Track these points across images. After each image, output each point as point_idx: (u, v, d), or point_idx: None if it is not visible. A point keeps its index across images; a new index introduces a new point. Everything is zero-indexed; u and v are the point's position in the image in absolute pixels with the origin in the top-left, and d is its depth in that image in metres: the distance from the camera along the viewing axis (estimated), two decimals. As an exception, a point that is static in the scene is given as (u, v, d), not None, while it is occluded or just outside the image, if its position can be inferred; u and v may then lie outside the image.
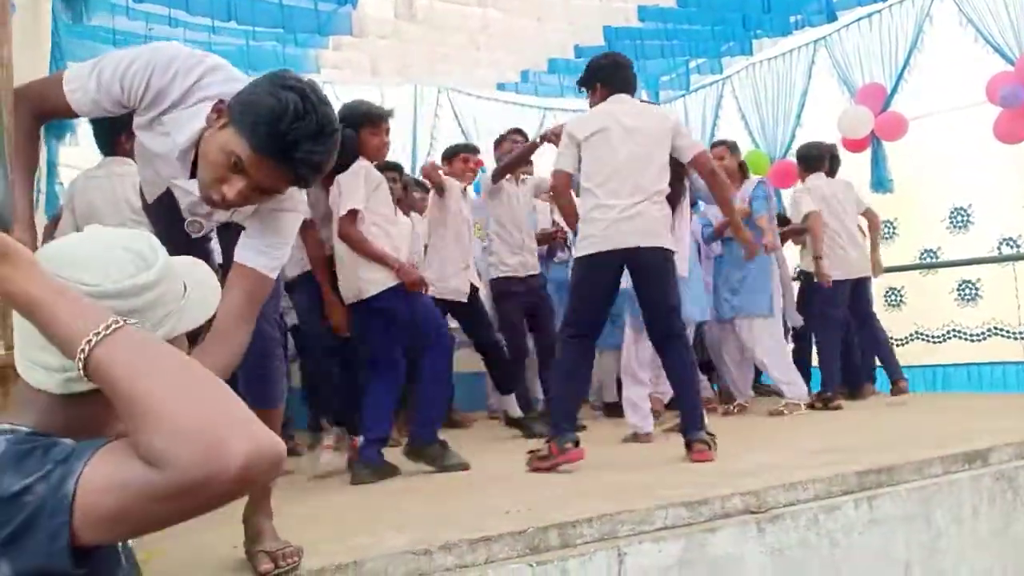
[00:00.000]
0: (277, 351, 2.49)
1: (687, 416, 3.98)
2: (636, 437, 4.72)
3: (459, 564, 2.44)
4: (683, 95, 9.55)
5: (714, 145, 6.44)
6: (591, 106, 4.30)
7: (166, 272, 1.21)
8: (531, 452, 3.92)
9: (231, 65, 2.12)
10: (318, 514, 3.13)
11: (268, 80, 1.81)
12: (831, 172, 6.43)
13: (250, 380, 2.38)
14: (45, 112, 2.08)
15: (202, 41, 6.87)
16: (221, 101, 1.85)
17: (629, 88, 4.29)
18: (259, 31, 6.84)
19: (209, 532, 2.53)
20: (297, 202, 2.11)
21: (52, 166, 5.01)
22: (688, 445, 3.87)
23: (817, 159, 6.35)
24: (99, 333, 1.02)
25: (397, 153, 8.39)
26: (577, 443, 3.83)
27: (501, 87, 8.77)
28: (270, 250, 2.03)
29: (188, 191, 2.03)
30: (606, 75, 4.27)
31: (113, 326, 1.03)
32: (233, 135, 1.76)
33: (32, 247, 1.95)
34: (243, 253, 2.01)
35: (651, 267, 4.02)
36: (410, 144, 8.50)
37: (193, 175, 1.97)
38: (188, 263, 1.36)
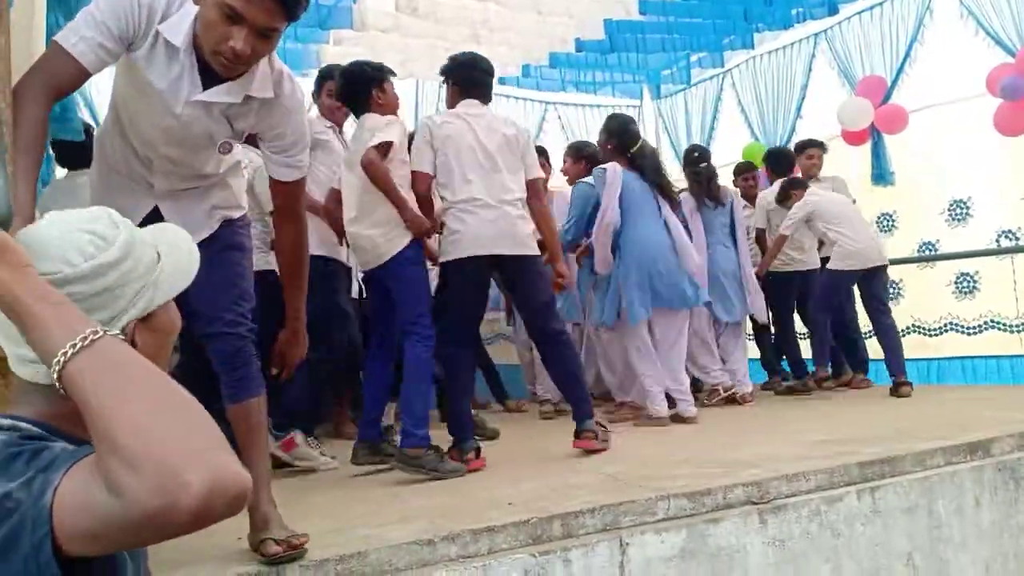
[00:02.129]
0: (248, 346, 2.47)
1: (575, 407, 4.05)
2: None
3: (462, 554, 2.46)
4: (684, 88, 9.54)
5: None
6: None
7: (130, 247, 1.19)
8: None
9: None
10: (321, 506, 3.14)
11: None
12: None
13: (226, 372, 2.41)
14: (60, 87, 2.08)
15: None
16: None
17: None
18: (260, 25, 6.83)
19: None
20: (297, 97, 2.38)
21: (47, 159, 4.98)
22: (576, 434, 3.97)
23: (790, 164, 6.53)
24: (75, 345, 0.98)
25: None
26: (478, 452, 3.88)
27: (502, 81, 8.75)
28: (292, 158, 2.43)
29: (209, 104, 2.21)
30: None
31: (91, 337, 0.99)
32: None
33: None
34: (273, 169, 2.45)
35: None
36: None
37: (206, 86, 2.17)
38: (157, 229, 1.33)
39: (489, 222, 3.89)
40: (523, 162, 4.12)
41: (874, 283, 6.10)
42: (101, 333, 1.00)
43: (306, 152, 2.47)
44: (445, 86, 4.34)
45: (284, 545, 2.25)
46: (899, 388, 5.70)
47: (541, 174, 4.31)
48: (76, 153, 4.11)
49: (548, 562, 2.48)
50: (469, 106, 4.14)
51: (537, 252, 4.05)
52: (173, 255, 1.27)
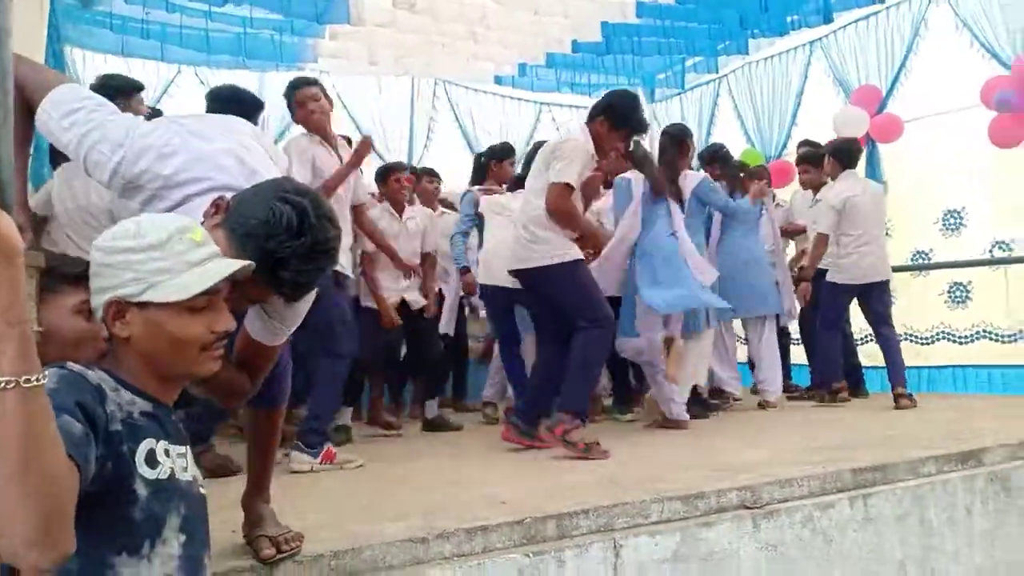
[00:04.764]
0: (286, 354, 2.46)
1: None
2: None
3: (456, 553, 2.45)
4: (679, 93, 9.55)
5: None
6: None
7: (149, 247, 1.42)
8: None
9: (221, 136, 2.05)
10: (317, 501, 3.12)
11: (270, 187, 1.75)
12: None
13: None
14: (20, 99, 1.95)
15: (199, 27, 6.84)
16: (221, 197, 1.78)
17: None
18: (256, 18, 6.80)
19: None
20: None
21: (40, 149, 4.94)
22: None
23: (851, 154, 6.17)
24: None
25: (395, 145, 8.40)
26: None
27: (499, 80, 8.76)
28: (282, 328, 2.07)
29: None
30: None
31: (4, 385, 1.07)
32: (224, 240, 1.68)
33: (28, 228, 1.94)
34: (254, 324, 2.04)
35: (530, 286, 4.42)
36: (407, 137, 8.49)
37: None
38: (221, 262, 1.49)
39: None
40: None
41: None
42: (13, 385, 1.07)
43: (294, 327, 2.12)
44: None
45: (276, 547, 2.23)
46: (897, 400, 5.58)
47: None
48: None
49: (542, 562, 2.48)
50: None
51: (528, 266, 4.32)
52: (187, 277, 1.43)
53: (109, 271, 1.42)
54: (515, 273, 4.40)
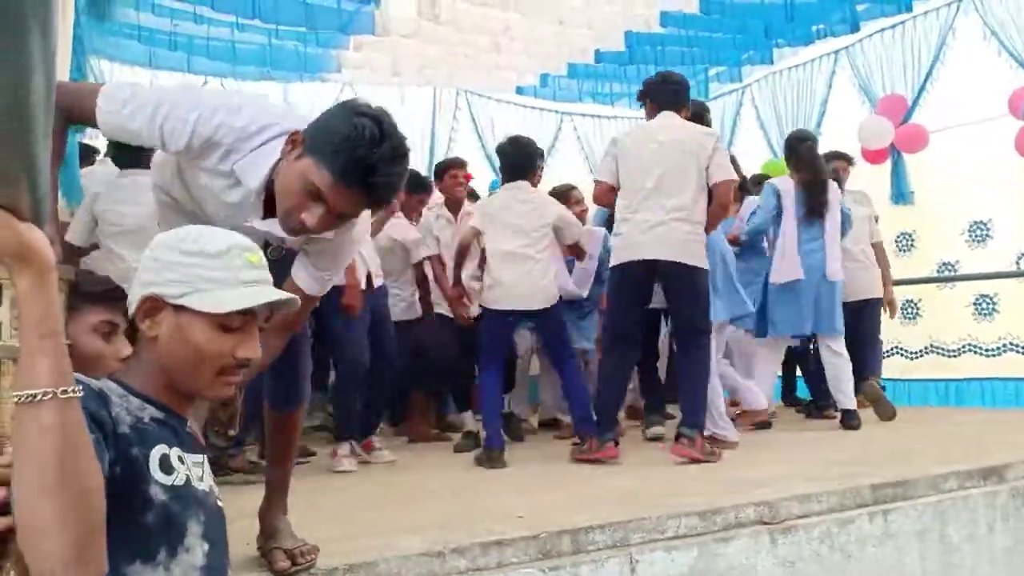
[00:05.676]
0: (305, 349, 2.52)
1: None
2: None
3: (471, 567, 2.45)
4: (702, 103, 9.50)
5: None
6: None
7: (204, 256, 1.42)
8: (574, 445, 4.37)
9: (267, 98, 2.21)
10: (332, 514, 3.13)
11: (341, 108, 1.90)
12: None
13: (276, 378, 2.41)
14: (73, 118, 2.05)
15: (225, 38, 6.90)
16: (296, 132, 1.90)
17: (675, 105, 4.42)
18: (282, 30, 6.85)
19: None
20: (357, 227, 2.20)
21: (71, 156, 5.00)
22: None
23: None
24: (19, 397, 1.07)
25: (415, 155, 8.42)
26: (616, 443, 4.23)
27: (520, 90, 8.77)
28: (324, 274, 2.17)
29: (264, 231, 2.02)
30: (653, 91, 4.52)
31: (41, 397, 1.07)
32: (311, 164, 1.83)
33: (58, 241, 1.97)
34: (300, 274, 2.16)
35: (672, 279, 4.23)
36: (428, 146, 8.52)
37: (268, 214, 2.01)
38: (266, 288, 1.51)
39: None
40: None
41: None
42: (50, 396, 1.07)
43: (339, 275, 2.28)
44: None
45: (291, 560, 2.25)
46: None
47: None
48: (131, 155, 4.10)
49: (557, 577, 2.48)
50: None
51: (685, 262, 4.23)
52: (232, 292, 1.43)
53: (157, 266, 1.43)
54: (663, 263, 4.18)
